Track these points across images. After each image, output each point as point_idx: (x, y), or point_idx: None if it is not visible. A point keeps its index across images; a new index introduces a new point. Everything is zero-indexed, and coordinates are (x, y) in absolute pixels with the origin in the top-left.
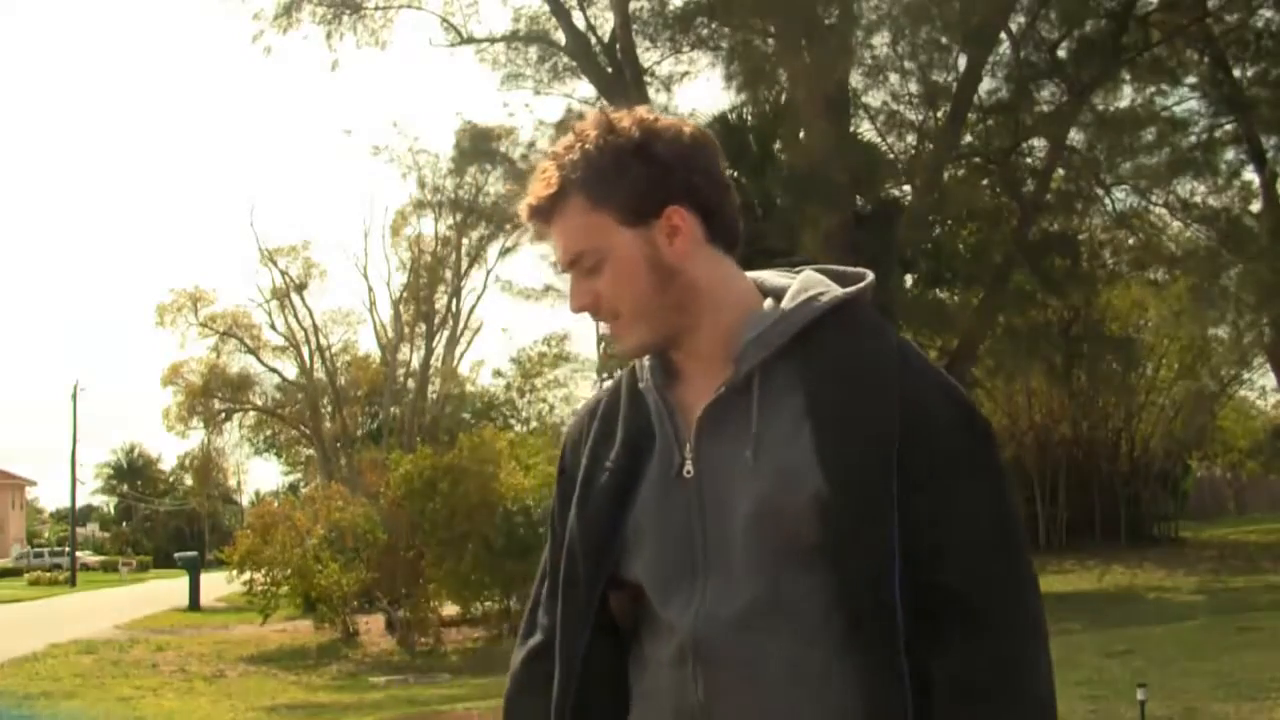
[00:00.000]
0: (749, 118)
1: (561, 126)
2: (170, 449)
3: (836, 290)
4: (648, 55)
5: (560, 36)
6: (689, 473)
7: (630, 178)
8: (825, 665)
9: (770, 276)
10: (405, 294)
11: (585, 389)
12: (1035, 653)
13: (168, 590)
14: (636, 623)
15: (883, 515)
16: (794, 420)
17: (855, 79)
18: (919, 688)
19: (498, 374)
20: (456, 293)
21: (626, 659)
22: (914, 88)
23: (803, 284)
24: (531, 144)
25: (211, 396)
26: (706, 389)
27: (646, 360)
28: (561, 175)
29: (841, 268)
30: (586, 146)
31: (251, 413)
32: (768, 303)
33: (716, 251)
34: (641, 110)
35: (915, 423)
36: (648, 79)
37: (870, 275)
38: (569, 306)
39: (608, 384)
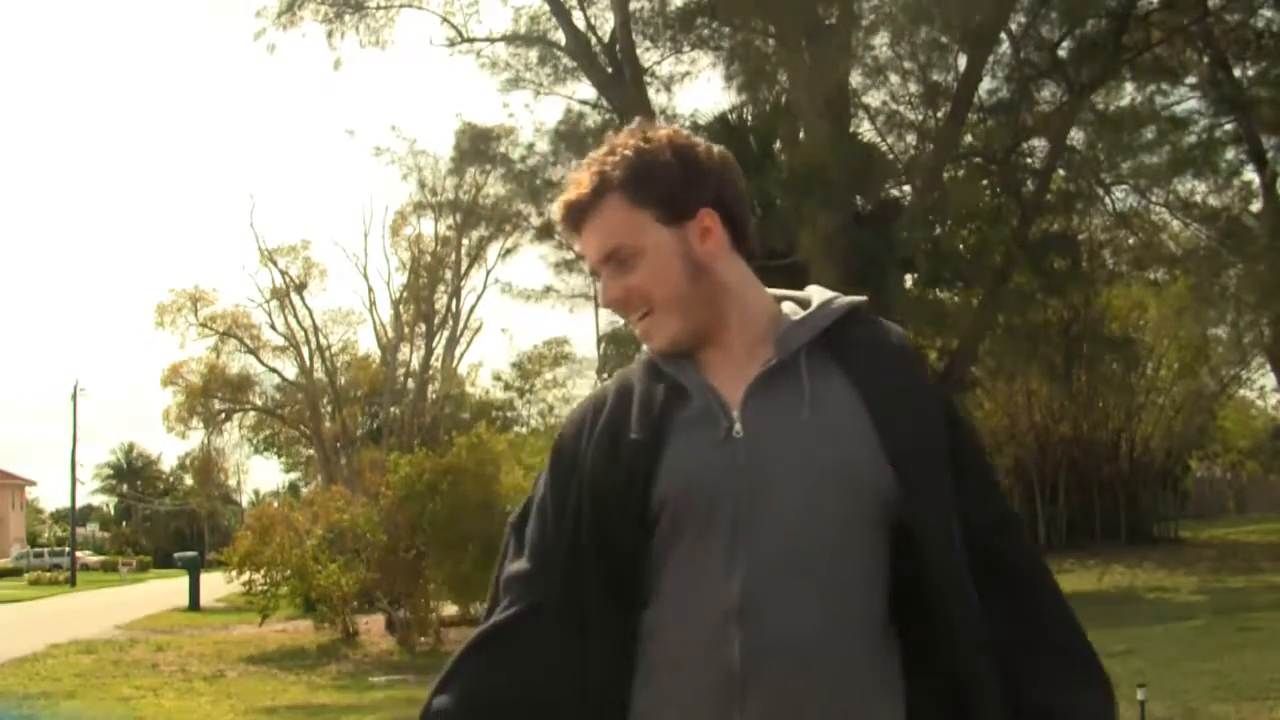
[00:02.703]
0: (749, 118)
1: (564, 130)
2: (170, 449)
3: (846, 297)
4: (648, 55)
5: (560, 36)
6: (739, 433)
7: (669, 180)
8: (873, 627)
9: (778, 290)
10: (405, 294)
11: (584, 389)
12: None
13: (167, 590)
14: (643, 589)
15: (942, 482)
16: (843, 393)
17: (855, 79)
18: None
19: (496, 377)
20: (456, 293)
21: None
22: (914, 88)
23: (818, 291)
24: (531, 145)
25: (211, 397)
26: (735, 376)
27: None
28: (601, 177)
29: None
30: (625, 152)
31: (251, 413)
32: (788, 305)
33: (739, 258)
34: (666, 128)
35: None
36: (648, 79)
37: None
38: (601, 301)
39: (609, 381)
